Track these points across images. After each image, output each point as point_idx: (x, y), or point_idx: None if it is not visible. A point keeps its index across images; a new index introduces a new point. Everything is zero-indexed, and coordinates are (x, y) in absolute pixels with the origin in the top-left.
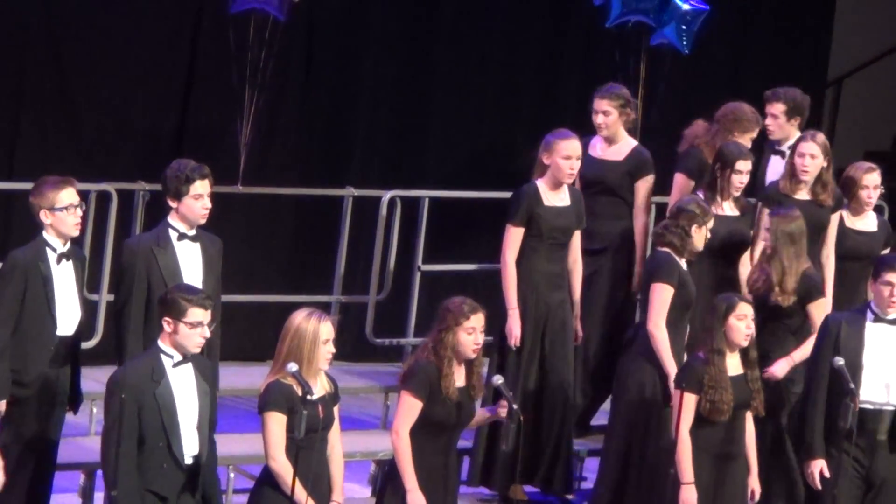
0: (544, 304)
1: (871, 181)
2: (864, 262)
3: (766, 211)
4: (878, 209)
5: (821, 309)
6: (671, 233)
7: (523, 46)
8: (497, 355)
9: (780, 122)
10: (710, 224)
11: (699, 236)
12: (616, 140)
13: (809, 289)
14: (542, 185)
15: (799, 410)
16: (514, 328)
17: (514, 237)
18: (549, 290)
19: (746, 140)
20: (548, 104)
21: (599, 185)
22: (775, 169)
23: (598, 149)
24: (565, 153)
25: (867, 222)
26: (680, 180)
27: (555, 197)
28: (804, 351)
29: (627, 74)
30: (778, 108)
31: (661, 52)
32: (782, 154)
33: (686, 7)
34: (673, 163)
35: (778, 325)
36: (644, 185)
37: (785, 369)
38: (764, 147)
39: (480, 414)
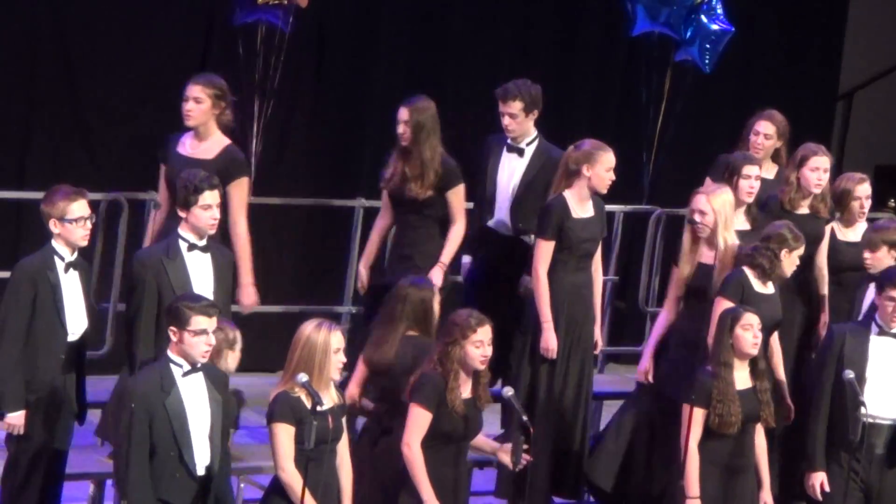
0: (573, 317)
1: (864, 192)
2: (860, 272)
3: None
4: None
5: (458, 196)
6: (761, 255)
7: (534, 57)
8: (528, 367)
9: (518, 120)
10: (801, 251)
11: (788, 261)
12: (207, 136)
13: (450, 177)
14: (570, 197)
15: (802, 422)
16: (550, 341)
17: (545, 251)
18: (576, 301)
19: (757, 130)
20: (558, 116)
21: None
22: (511, 167)
23: (188, 146)
24: (609, 164)
25: (858, 233)
26: (707, 183)
27: (581, 209)
28: (451, 251)
29: (650, 89)
30: (516, 107)
31: (680, 69)
32: (519, 152)
33: (714, 27)
34: (687, 174)
35: (419, 218)
36: (236, 189)
37: (440, 277)
38: (490, 143)
39: (487, 442)
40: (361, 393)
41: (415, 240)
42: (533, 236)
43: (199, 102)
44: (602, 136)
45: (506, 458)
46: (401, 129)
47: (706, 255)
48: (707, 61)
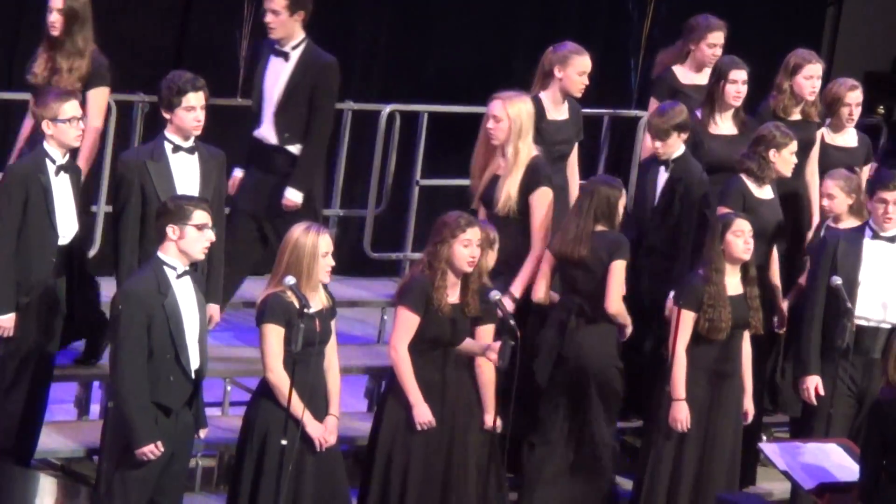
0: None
1: (854, 98)
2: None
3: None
4: (865, 127)
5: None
6: (750, 159)
7: None
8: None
9: (281, 18)
10: (792, 147)
11: (781, 161)
12: None
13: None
14: (545, 98)
15: (796, 327)
16: None
17: None
18: (553, 202)
19: (703, 47)
20: (548, 18)
21: None
22: (277, 72)
23: None
24: (581, 68)
25: (847, 138)
26: (651, 105)
27: (556, 111)
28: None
29: None
30: (278, 3)
31: None
32: (285, 56)
33: None
34: None
35: None
36: None
37: None
38: (261, 48)
39: (475, 344)
40: (549, 285)
41: None
42: (299, 146)
43: None
44: (591, 39)
45: (493, 358)
46: (52, 17)
47: (500, 167)
48: None
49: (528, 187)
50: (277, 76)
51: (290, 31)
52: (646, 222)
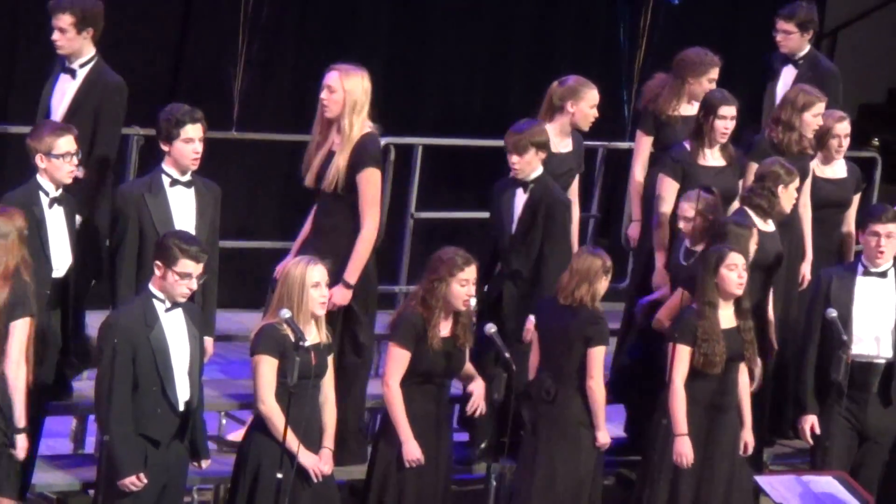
0: None
1: (843, 130)
2: (838, 208)
3: (753, 164)
4: (860, 159)
5: None
6: (758, 195)
7: None
8: (487, 303)
9: (69, 35)
10: (797, 183)
11: (786, 196)
12: None
13: None
14: (551, 131)
15: (790, 361)
16: None
17: None
18: None
19: (704, 82)
20: (542, 51)
21: None
22: (63, 90)
23: None
24: (593, 101)
25: (836, 170)
26: (638, 137)
27: (560, 143)
28: None
29: (626, 25)
30: (65, 20)
31: (658, 4)
32: (72, 73)
33: None
34: None
35: None
36: None
37: None
38: (53, 64)
39: (465, 374)
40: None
41: None
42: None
43: None
44: (584, 72)
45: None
46: None
47: (334, 142)
48: None
49: (355, 166)
50: (63, 94)
51: (77, 48)
52: (503, 247)
